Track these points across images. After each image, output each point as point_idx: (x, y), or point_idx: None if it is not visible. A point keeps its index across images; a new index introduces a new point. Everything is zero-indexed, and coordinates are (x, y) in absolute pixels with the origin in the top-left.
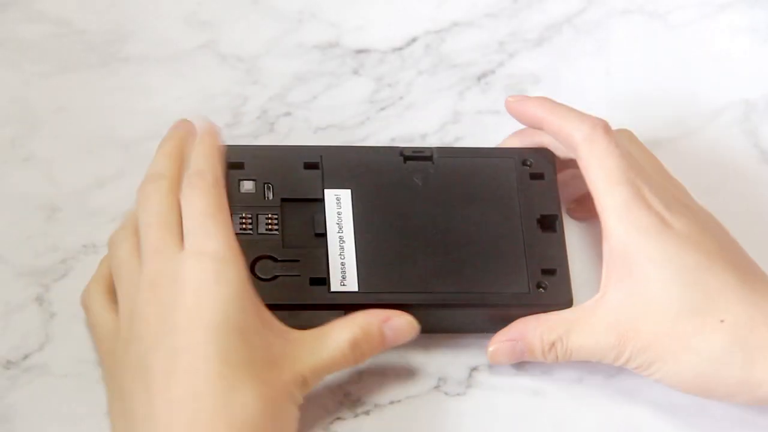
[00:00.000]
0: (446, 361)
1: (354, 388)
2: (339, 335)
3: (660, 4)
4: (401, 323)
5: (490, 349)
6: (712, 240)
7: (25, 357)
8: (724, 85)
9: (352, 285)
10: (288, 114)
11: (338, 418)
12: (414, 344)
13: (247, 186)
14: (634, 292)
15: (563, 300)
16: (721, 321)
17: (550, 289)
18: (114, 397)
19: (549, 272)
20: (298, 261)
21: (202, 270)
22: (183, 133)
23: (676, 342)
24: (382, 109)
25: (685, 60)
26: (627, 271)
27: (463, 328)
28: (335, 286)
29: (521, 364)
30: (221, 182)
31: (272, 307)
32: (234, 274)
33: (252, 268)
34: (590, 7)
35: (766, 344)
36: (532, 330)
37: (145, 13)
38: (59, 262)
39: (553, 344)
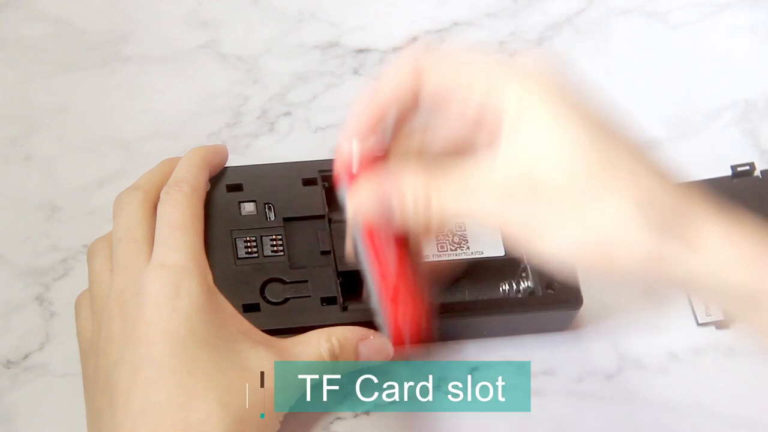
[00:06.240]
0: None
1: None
2: (319, 344)
3: (660, 4)
4: (377, 344)
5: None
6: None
7: (25, 357)
8: (724, 85)
9: None
10: (288, 114)
11: (338, 418)
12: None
13: (249, 208)
14: (525, 149)
15: (573, 299)
16: (627, 182)
17: (559, 289)
18: (88, 413)
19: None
20: (306, 281)
21: (163, 283)
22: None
23: (576, 201)
24: None
25: (685, 60)
26: (519, 127)
27: (469, 335)
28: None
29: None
30: (200, 192)
31: (285, 331)
32: (196, 286)
33: (261, 292)
34: (590, 7)
35: (679, 212)
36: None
37: (145, 13)
38: (59, 262)
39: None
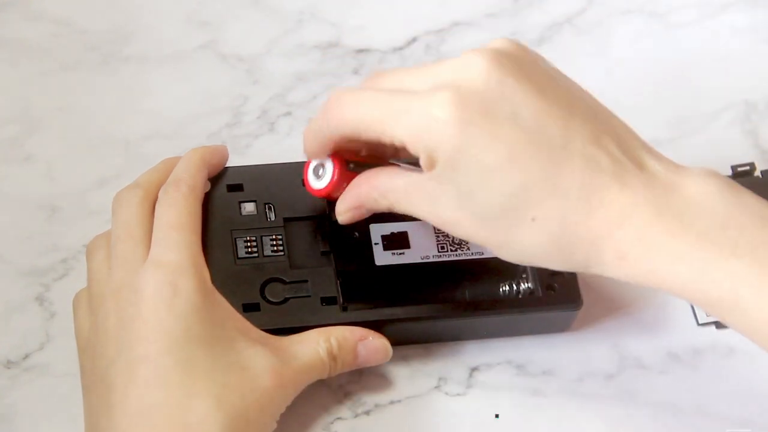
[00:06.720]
0: (446, 361)
1: (354, 388)
2: (318, 343)
3: (660, 4)
4: (376, 345)
5: (339, 219)
6: (523, 124)
7: (26, 357)
8: (724, 85)
9: None
10: (288, 114)
11: (338, 418)
12: (414, 344)
13: (249, 208)
14: (444, 187)
15: (573, 300)
16: (532, 219)
17: (559, 290)
18: (85, 411)
19: (557, 273)
20: (306, 281)
21: (159, 281)
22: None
23: (493, 239)
24: None
25: (685, 60)
26: (433, 168)
27: (470, 335)
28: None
29: (521, 365)
30: (197, 192)
31: (285, 330)
32: (192, 285)
33: (261, 291)
34: (590, 7)
35: (580, 236)
36: (367, 196)
37: (145, 13)
38: (59, 262)
39: (389, 208)
